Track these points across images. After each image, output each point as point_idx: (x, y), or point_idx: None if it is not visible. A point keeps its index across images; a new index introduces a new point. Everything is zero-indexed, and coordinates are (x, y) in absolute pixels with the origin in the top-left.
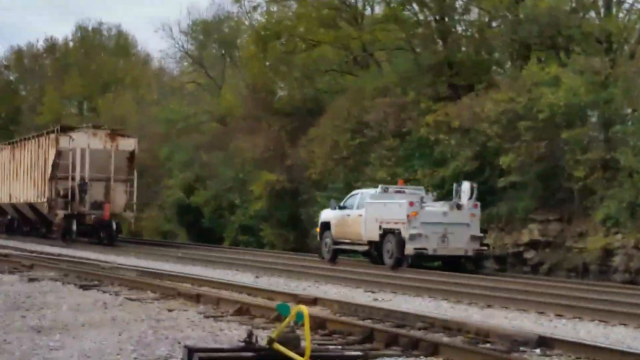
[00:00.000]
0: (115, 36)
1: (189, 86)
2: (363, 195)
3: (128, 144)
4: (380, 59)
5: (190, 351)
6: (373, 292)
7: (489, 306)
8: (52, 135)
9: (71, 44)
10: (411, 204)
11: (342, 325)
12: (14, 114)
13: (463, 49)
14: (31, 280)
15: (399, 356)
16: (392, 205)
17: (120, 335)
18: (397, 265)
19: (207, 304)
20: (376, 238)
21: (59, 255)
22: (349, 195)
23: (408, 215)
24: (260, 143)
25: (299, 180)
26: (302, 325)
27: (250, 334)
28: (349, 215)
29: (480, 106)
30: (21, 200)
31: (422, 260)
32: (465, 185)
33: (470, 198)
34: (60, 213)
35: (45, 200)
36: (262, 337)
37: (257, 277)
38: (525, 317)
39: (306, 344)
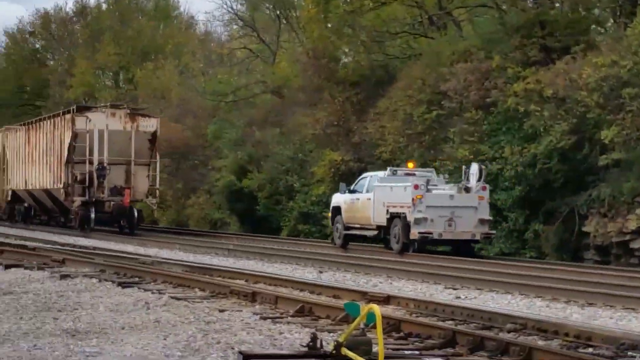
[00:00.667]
0: None
1: (239, 53)
2: (372, 178)
3: (149, 124)
4: (460, 18)
5: (246, 357)
6: (455, 288)
7: (590, 304)
8: (68, 116)
9: (104, 6)
10: (416, 186)
11: (420, 327)
12: (40, 87)
13: (557, 5)
14: (63, 277)
15: None
16: (398, 189)
17: (165, 339)
18: (404, 250)
19: (264, 304)
20: (384, 222)
21: (94, 248)
22: (359, 178)
23: (413, 199)
24: (322, 117)
25: (367, 160)
26: (374, 327)
27: (314, 338)
28: (358, 199)
29: (577, 72)
30: (37, 187)
31: (428, 245)
32: (474, 167)
33: (479, 180)
34: (77, 200)
35: (61, 186)
36: (327, 341)
37: (320, 272)
38: (633, 317)
39: (379, 348)
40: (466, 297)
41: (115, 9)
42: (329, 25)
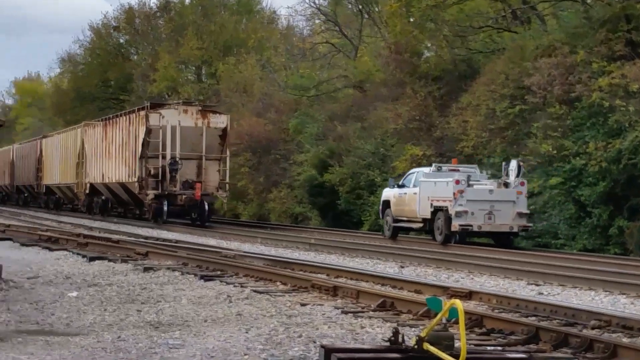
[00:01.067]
0: None
1: (322, 48)
2: (418, 174)
3: (220, 120)
4: (544, 12)
5: (328, 351)
6: (537, 284)
7: None
8: (142, 113)
9: (187, 1)
10: (457, 182)
11: (502, 323)
12: (124, 81)
13: None
14: (146, 269)
15: (569, 359)
16: (441, 184)
17: (247, 332)
18: (447, 242)
19: (345, 298)
20: (428, 215)
21: (177, 241)
22: (407, 173)
23: (454, 193)
24: (404, 112)
25: (448, 155)
26: (456, 322)
27: (395, 332)
28: (405, 193)
29: None
30: (113, 180)
31: (468, 237)
32: (513, 164)
33: (517, 176)
34: (151, 193)
35: (135, 179)
36: (409, 336)
37: (402, 266)
38: None
39: (461, 344)
40: (549, 293)
41: (198, 4)
42: (412, 20)
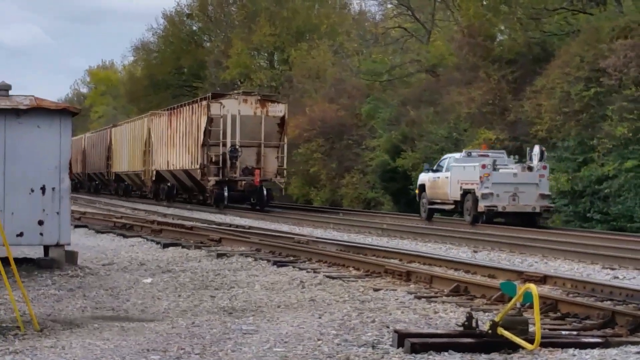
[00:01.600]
0: None
1: (394, 32)
2: (450, 159)
3: (278, 109)
4: None
5: (401, 336)
6: (612, 268)
7: None
8: (204, 102)
9: None
10: (483, 166)
11: (577, 307)
12: (197, 68)
13: None
14: (220, 255)
15: None
16: (469, 168)
17: (320, 318)
18: (475, 222)
19: (418, 283)
20: (458, 197)
21: (249, 227)
22: (441, 159)
23: (480, 177)
24: (477, 96)
25: (523, 139)
26: (530, 307)
27: (469, 317)
28: (438, 177)
29: None
30: (177, 167)
31: (494, 217)
32: (536, 149)
33: (540, 160)
34: (212, 179)
35: (198, 166)
36: (483, 321)
37: (475, 251)
38: None
39: (536, 328)
40: (624, 277)
41: None
42: (485, 3)
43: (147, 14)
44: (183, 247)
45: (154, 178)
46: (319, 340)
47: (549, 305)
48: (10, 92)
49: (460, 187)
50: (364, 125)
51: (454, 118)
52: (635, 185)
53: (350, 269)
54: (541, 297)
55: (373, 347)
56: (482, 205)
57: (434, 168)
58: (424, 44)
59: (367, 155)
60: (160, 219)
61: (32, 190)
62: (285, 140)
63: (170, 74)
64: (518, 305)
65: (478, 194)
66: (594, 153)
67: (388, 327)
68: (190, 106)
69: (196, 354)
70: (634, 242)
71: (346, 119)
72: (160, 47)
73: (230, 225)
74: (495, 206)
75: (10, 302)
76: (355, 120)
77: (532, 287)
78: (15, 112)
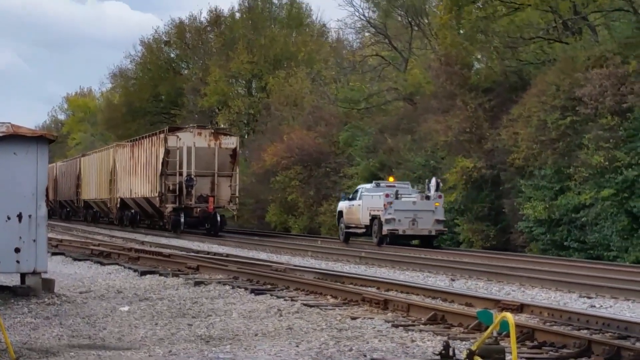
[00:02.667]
0: (287, 5)
1: (372, 60)
2: (362, 189)
3: (230, 142)
4: (595, 23)
5: None
6: (589, 297)
7: None
8: (162, 135)
9: (238, 15)
10: (387, 195)
11: (554, 336)
12: (175, 95)
13: None
14: (197, 283)
15: None
16: (376, 197)
17: (297, 346)
18: (380, 243)
19: (396, 311)
20: (368, 222)
21: (227, 255)
22: (356, 189)
23: (384, 204)
24: (454, 124)
25: (500, 167)
26: (507, 335)
27: (446, 346)
28: (353, 205)
29: None
30: (139, 195)
31: (396, 239)
32: (433, 181)
33: (436, 190)
34: (170, 206)
35: (157, 194)
36: (460, 350)
37: (452, 279)
38: None
39: (512, 357)
40: (601, 305)
41: (248, 18)
42: (462, 32)
43: (123, 42)
44: (160, 274)
45: (118, 205)
46: None
47: (526, 334)
48: None
49: (369, 213)
50: (341, 152)
51: (431, 146)
52: (611, 213)
53: (328, 297)
54: (518, 325)
55: None
56: (385, 229)
57: (350, 197)
58: (402, 72)
59: (345, 183)
60: (137, 246)
61: (9, 218)
62: (237, 170)
63: (148, 101)
64: (495, 333)
65: (383, 219)
66: (570, 181)
67: (365, 355)
68: (150, 138)
69: None
70: (610, 271)
71: (324, 146)
72: (138, 74)
73: (208, 253)
74: (397, 229)
75: None
76: (333, 148)
77: (509, 316)
78: None
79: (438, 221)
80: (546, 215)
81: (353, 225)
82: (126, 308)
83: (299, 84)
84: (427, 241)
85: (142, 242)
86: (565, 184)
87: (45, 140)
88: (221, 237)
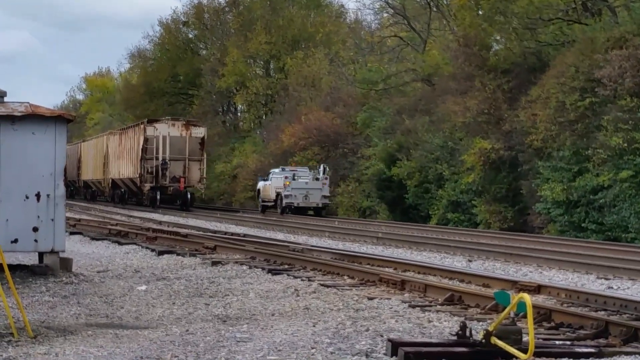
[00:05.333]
0: None
1: (390, 41)
2: (273, 172)
3: (199, 131)
4: (615, 4)
5: (395, 345)
6: (607, 278)
7: None
8: (142, 126)
9: None
10: (286, 177)
11: (571, 317)
12: (193, 76)
13: None
14: (214, 263)
15: None
16: (280, 178)
17: (314, 326)
18: (282, 212)
19: (413, 292)
20: (274, 198)
21: (244, 235)
22: (268, 172)
23: (284, 184)
24: (472, 105)
25: (518, 148)
26: (524, 316)
27: (463, 327)
28: (266, 184)
29: None
30: (125, 176)
31: (295, 210)
32: (321, 167)
33: (323, 173)
34: (148, 185)
35: (138, 175)
36: (477, 330)
37: (469, 260)
38: None
39: (529, 338)
40: (619, 287)
41: None
42: (481, 12)
43: (142, 23)
44: (178, 254)
45: (110, 185)
46: (312, 348)
47: (543, 315)
48: (5, 99)
49: (275, 191)
50: (359, 134)
51: (449, 127)
52: (630, 195)
53: (345, 277)
54: (535, 306)
55: (367, 355)
56: (285, 202)
57: (265, 179)
58: (420, 53)
59: (363, 164)
60: (155, 226)
61: (27, 197)
62: (205, 155)
63: (166, 81)
64: (512, 314)
65: (283, 195)
66: (589, 163)
67: (382, 335)
68: (133, 128)
69: None
70: (628, 252)
71: (342, 127)
72: (156, 55)
73: (226, 233)
74: (293, 202)
75: (4, 308)
76: (350, 129)
77: (526, 297)
78: (10, 119)
79: (324, 196)
80: (564, 196)
81: (267, 200)
82: (143, 287)
83: (317, 65)
84: (317, 211)
85: (160, 222)
86: (584, 166)
87: (63, 120)
88: (191, 211)
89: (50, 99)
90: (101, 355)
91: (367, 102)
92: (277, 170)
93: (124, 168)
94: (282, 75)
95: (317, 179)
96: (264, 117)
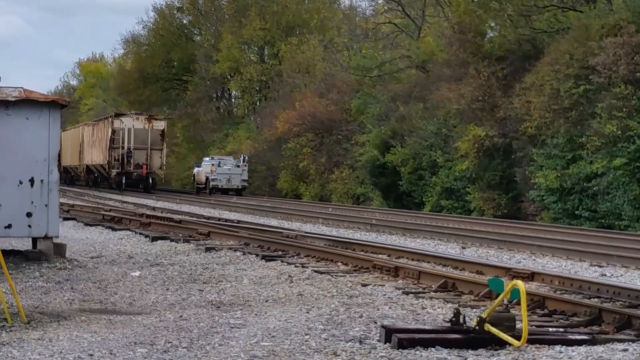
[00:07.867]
0: None
1: (384, 28)
2: (205, 160)
3: (160, 124)
4: None
5: (389, 331)
6: (600, 266)
7: None
8: (109, 119)
9: None
10: (212, 165)
11: (565, 304)
12: (187, 62)
13: None
14: (208, 249)
15: (633, 341)
16: (208, 165)
17: (308, 312)
18: (210, 193)
19: (407, 279)
20: (204, 180)
21: (238, 222)
22: (202, 160)
23: (211, 170)
24: (467, 92)
25: (512, 136)
26: (518, 303)
27: (457, 313)
28: (199, 170)
29: None
30: (96, 163)
31: (218, 191)
32: (242, 157)
33: (243, 162)
34: (114, 171)
35: (106, 162)
36: (470, 317)
37: (463, 247)
38: None
39: (523, 325)
40: (612, 274)
41: None
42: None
43: (136, 8)
44: (172, 240)
45: (85, 170)
46: (306, 334)
47: (537, 302)
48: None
49: (205, 176)
50: (353, 120)
51: (443, 114)
52: (623, 183)
53: (339, 264)
54: (529, 293)
55: (360, 342)
56: (211, 184)
57: (198, 165)
58: (414, 40)
59: (357, 151)
60: (149, 212)
61: (21, 182)
62: (164, 145)
63: (160, 67)
64: (505, 301)
65: (210, 179)
66: (582, 150)
67: (376, 322)
68: (103, 121)
69: (183, 348)
70: (621, 240)
71: (336, 114)
72: (150, 41)
73: (220, 219)
74: (218, 185)
75: None
76: (344, 116)
77: (519, 284)
78: (4, 104)
79: (243, 180)
80: (558, 184)
81: (199, 183)
82: (137, 273)
83: (311, 51)
84: (237, 192)
85: (154, 208)
86: (578, 153)
87: (57, 105)
88: (152, 194)
89: (44, 85)
90: (95, 341)
91: (362, 89)
92: (207, 158)
93: (96, 155)
94: (276, 61)
95: (238, 166)
96: (258, 104)
